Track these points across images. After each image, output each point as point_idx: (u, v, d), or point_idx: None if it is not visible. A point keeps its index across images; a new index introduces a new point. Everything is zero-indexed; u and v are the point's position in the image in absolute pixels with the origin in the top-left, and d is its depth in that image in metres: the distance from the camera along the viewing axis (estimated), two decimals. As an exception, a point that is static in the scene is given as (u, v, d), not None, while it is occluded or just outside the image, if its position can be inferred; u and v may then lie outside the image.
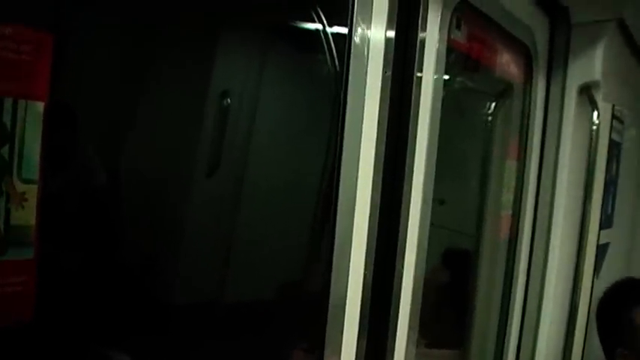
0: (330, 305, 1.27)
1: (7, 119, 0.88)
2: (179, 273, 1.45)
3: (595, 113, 2.16)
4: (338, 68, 1.38)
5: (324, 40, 1.44)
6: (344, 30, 1.29)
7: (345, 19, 1.26)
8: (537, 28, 2.11)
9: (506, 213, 2.17)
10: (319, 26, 1.47)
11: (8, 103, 0.88)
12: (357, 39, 1.27)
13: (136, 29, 1.27)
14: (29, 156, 0.91)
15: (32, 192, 0.92)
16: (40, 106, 0.91)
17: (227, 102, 1.50)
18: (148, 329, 1.29)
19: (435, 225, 1.54)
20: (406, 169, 1.41)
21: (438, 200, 1.54)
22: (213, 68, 1.49)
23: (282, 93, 1.71)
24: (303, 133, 1.66)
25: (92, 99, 1.17)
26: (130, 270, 1.32)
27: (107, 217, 1.29)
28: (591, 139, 2.18)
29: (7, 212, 0.90)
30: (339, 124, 1.27)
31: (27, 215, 0.92)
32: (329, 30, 1.44)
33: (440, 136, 1.51)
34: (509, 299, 2.16)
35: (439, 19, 1.47)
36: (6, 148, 0.89)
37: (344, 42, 1.28)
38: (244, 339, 1.48)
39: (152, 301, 1.36)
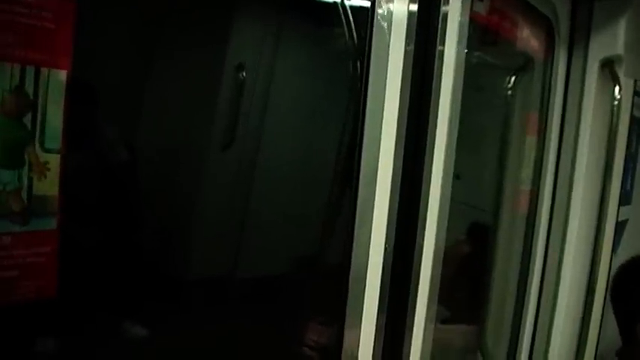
0: (350, 278, 1.28)
1: (29, 88, 0.87)
2: (197, 246, 1.45)
3: (617, 88, 2.12)
4: (356, 41, 1.37)
5: (342, 13, 1.43)
6: (363, 3, 1.28)
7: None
8: (559, 1, 2.07)
9: (525, 189, 2.15)
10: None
11: (31, 71, 0.87)
12: (379, 12, 1.26)
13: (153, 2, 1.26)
14: (52, 125, 0.90)
15: (55, 161, 0.91)
16: (63, 74, 0.90)
17: (242, 75, 1.48)
18: (165, 302, 1.30)
19: (452, 200, 1.53)
20: (428, 142, 1.40)
21: (453, 175, 1.53)
22: (228, 41, 1.47)
23: (299, 66, 1.69)
24: (321, 106, 1.65)
25: (110, 71, 1.17)
26: (148, 243, 1.32)
27: (127, 191, 1.29)
28: (612, 114, 2.14)
29: (30, 182, 0.89)
30: (362, 99, 1.26)
31: (49, 185, 0.91)
32: (347, 3, 1.43)
33: (460, 110, 1.50)
34: (527, 275, 2.16)
35: (461, -9, 1.45)
36: (28, 117, 0.88)
37: (362, 15, 1.28)
38: (264, 312, 1.49)
39: (169, 275, 1.36)
